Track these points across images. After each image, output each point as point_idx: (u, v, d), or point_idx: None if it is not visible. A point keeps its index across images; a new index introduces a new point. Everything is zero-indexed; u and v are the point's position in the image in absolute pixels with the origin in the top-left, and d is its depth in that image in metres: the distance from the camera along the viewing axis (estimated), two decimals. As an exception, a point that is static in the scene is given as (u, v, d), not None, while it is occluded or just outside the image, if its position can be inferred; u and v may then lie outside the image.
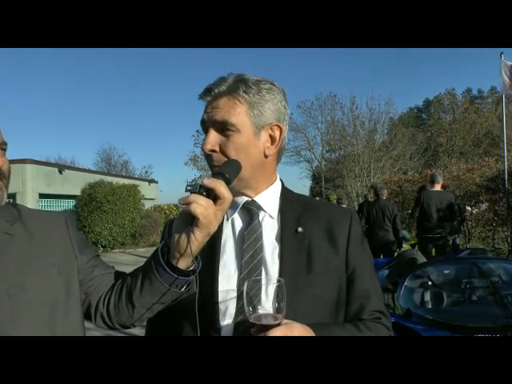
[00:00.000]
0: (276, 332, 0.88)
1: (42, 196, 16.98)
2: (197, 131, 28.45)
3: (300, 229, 1.09)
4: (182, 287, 1.00)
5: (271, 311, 0.92)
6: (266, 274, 1.05)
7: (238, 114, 1.05)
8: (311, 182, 34.24)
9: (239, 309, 1.02)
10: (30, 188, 16.09)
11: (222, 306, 1.04)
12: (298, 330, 0.91)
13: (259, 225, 1.10)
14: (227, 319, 1.03)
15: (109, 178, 18.61)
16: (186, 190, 0.90)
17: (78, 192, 17.44)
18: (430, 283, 4.03)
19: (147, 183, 24.75)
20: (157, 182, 26.74)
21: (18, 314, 0.95)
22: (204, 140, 1.07)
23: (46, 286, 1.00)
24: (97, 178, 18.34)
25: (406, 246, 8.08)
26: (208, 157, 1.08)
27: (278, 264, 1.05)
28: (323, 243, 1.09)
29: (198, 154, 28.65)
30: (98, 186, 17.01)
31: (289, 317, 0.92)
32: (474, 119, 30.73)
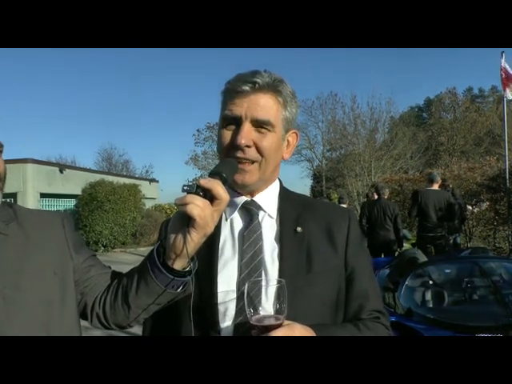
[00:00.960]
0: (277, 333, 0.87)
1: (43, 195, 16.99)
2: (197, 130, 28.55)
3: (299, 229, 1.09)
4: (178, 288, 0.99)
5: (272, 312, 0.92)
6: (266, 274, 1.04)
7: (277, 114, 1.06)
8: (312, 182, 34.20)
9: (239, 310, 1.01)
10: (30, 187, 16.09)
11: (221, 307, 1.03)
12: (299, 330, 0.90)
13: (259, 225, 1.09)
14: (227, 320, 1.03)
15: (110, 178, 18.63)
16: (183, 190, 0.89)
17: (78, 191, 17.44)
18: (430, 282, 4.03)
19: (148, 182, 24.76)
20: (157, 182, 26.76)
21: (13, 315, 0.94)
22: (238, 133, 1.02)
23: (41, 286, 1.00)
24: (97, 177, 18.36)
25: (406, 246, 8.08)
26: (237, 151, 1.03)
27: (278, 264, 1.05)
28: (322, 243, 1.09)
29: (199, 154, 28.71)
30: (99, 185, 17.02)
31: (289, 317, 0.91)
32: (475, 118, 30.70)
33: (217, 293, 1.04)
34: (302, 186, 32.71)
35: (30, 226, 1.07)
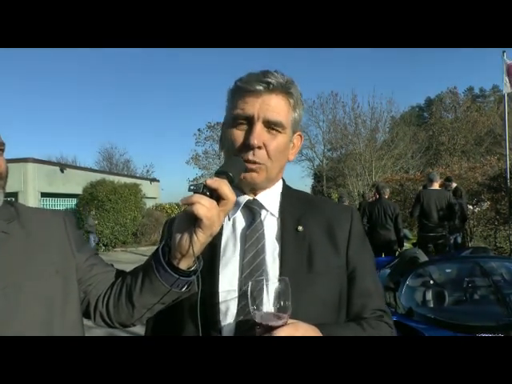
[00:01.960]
0: (281, 332, 0.86)
1: (44, 195, 17.01)
2: (198, 130, 28.56)
3: (300, 227, 1.08)
4: (183, 287, 0.99)
5: (275, 311, 0.91)
6: (267, 273, 1.03)
7: (288, 115, 1.06)
8: (313, 181, 34.22)
9: (240, 309, 1.01)
10: (31, 187, 16.12)
11: (222, 307, 1.03)
12: (303, 329, 0.89)
13: (261, 224, 1.09)
14: (228, 320, 1.02)
15: (110, 177, 18.66)
16: (189, 190, 0.89)
17: (79, 191, 17.47)
18: (431, 282, 4.03)
19: (149, 182, 24.80)
20: (158, 181, 26.78)
21: (15, 314, 0.94)
22: (251, 133, 1.01)
23: (43, 286, 0.99)
24: (98, 176, 18.39)
25: (407, 245, 8.08)
26: (247, 152, 1.02)
27: (279, 263, 1.04)
28: (324, 242, 1.08)
29: (200, 153, 28.71)
30: (100, 184, 17.05)
31: (290, 316, 0.91)
32: (476, 118, 30.64)
33: (218, 292, 1.03)
34: (303, 185, 32.73)
35: (32, 225, 1.06)
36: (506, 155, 9.43)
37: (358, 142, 24.78)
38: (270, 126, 1.03)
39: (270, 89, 1.02)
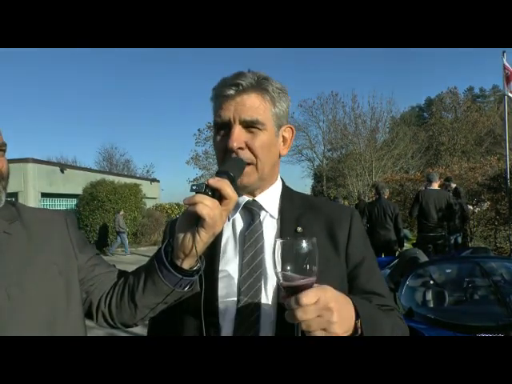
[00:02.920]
0: (310, 293, 0.79)
1: (44, 195, 17.01)
2: (198, 130, 28.59)
3: (299, 228, 1.08)
4: (186, 287, 1.00)
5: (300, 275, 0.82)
6: (266, 274, 1.04)
7: (266, 112, 1.05)
8: (313, 181, 34.24)
9: (239, 309, 1.01)
10: (31, 187, 16.11)
11: (221, 306, 1.03)
12: (332, 292, 0.83)
13: (260, 225, 1.10)
14: (227, 319, 1.02)
15: (110, 177, 18.65)
16: (192, 190, 0.89)
17: (79, 191, 17.46)
18: (431, 282, 4.03)
19: (149, 182, 24.78)
20: (158, 181, 26.76)
21: (18, 314, 0.94)
22: (230, 137, 1.02)
23: (46, 286, 1.00)
24: (98, 177, 18.39)
25: (407, 245, 8.08)
26: (231, 154, 1.02)
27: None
28: (324, 243, 1.08)
29: (200, 153, 28.73)
30: (100, 185, 17.04)
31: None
32: (476, 118, 30.66)
33: (217, 292, 1.04)
34: (303, 185, 32.78)
35: (34, 225, 1.07)
36: (506, 155, 9.43)
37: (358, 142, 24.80)
38: (249, 125, 1.04)
39: (242, 90, 1.03)
